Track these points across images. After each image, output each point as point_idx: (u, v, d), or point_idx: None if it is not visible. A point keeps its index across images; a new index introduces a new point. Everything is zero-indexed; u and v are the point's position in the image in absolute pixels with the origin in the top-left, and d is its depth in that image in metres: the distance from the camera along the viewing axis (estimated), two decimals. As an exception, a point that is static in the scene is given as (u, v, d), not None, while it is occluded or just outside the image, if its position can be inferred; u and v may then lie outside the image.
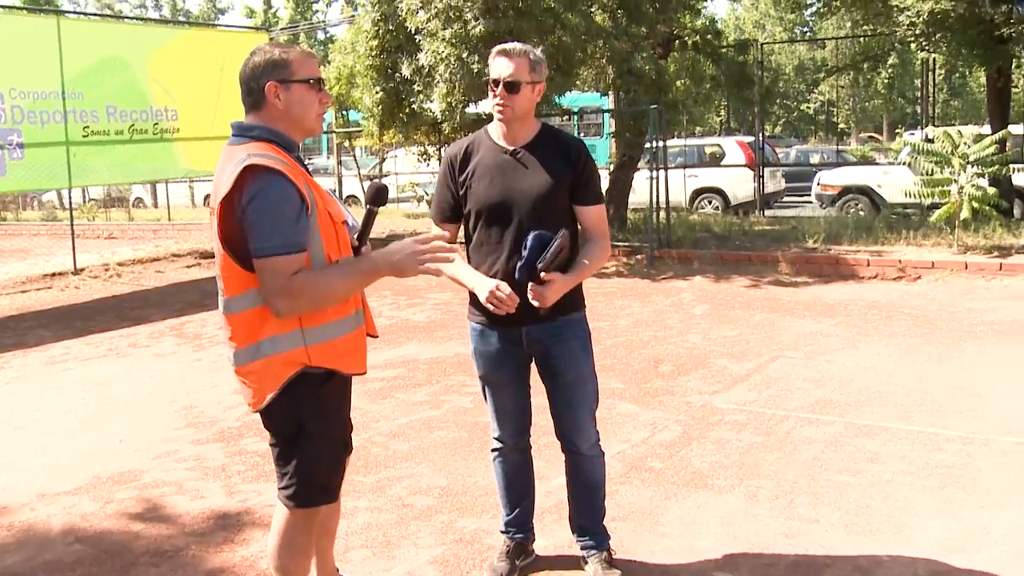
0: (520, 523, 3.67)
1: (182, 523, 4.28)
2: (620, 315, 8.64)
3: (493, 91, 3.21)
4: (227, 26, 42.18)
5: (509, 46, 3.24)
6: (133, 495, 4.64)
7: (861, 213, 15.38)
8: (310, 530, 2.89)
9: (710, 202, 18.18)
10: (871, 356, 6.78)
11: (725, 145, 19.36)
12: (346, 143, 21.34)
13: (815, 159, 23.63)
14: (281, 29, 52.04)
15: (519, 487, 3.65)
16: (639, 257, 11.75)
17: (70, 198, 16.27)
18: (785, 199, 20.34)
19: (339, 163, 23.65)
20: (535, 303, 3.13)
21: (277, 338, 2.65)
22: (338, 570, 3.35)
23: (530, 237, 3.14)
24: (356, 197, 21.14)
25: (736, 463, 4.73)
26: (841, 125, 50.95)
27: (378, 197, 3.04)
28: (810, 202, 18.37)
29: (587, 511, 3.58)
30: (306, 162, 3.06)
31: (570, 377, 3.36)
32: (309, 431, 2.74)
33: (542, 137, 3.30)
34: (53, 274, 12.44)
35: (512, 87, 3.17)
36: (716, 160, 19.03)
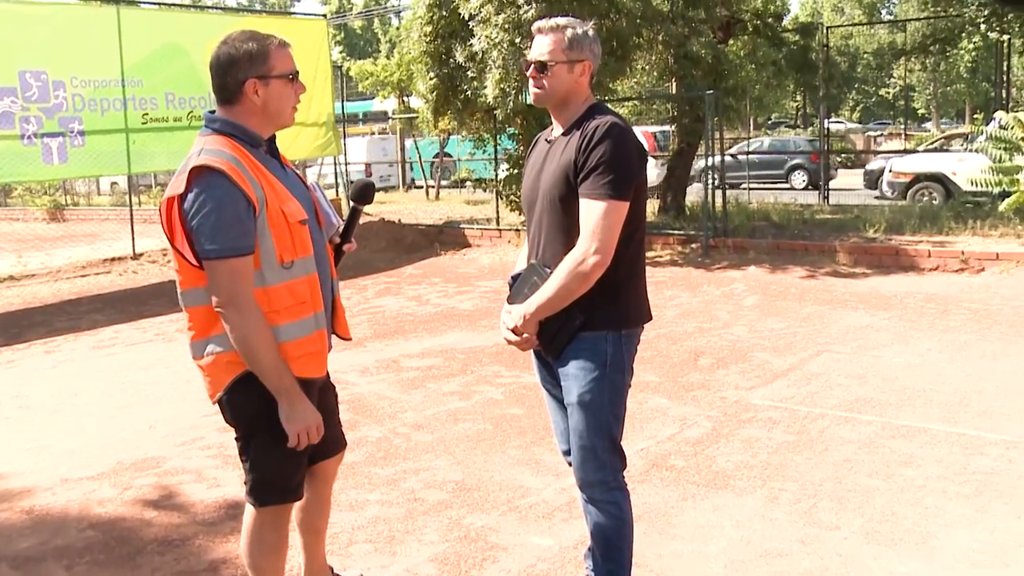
0: None
1: (194, 512, 4.28)
2: (667, 305, 8.46)
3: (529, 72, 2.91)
4: (283, 13, 42.63)
5: (543, 22, 2.90)
6: (152, 482, 4.66)
7: (935, 202, 14.86)
8: (279, 528, 2.83)
9: None
10: (921, 352, 6.50)
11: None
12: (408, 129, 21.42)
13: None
14: (357, 15, 52.38)
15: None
16: (694, 246, 11.51)
17: (129, 184, 16.61)
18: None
19: (402, 150, 23.76)
20: (510, 338, 2.89)
21: (224, 337, 2.60)
22: (332, 568, 3.29)
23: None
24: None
25: (762, 463, 4.56)
26: (921, 110, 49.51)
27: (363, 194, 2.98)
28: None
29: (596, 561, 3.06)
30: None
31: (570, 398, 2.89)
32: (263, 429, 2.68)
33: (579, 122, 2.85)
34: (113, 259, 12.69)
35: (543, 67, 2.85)
36: None
